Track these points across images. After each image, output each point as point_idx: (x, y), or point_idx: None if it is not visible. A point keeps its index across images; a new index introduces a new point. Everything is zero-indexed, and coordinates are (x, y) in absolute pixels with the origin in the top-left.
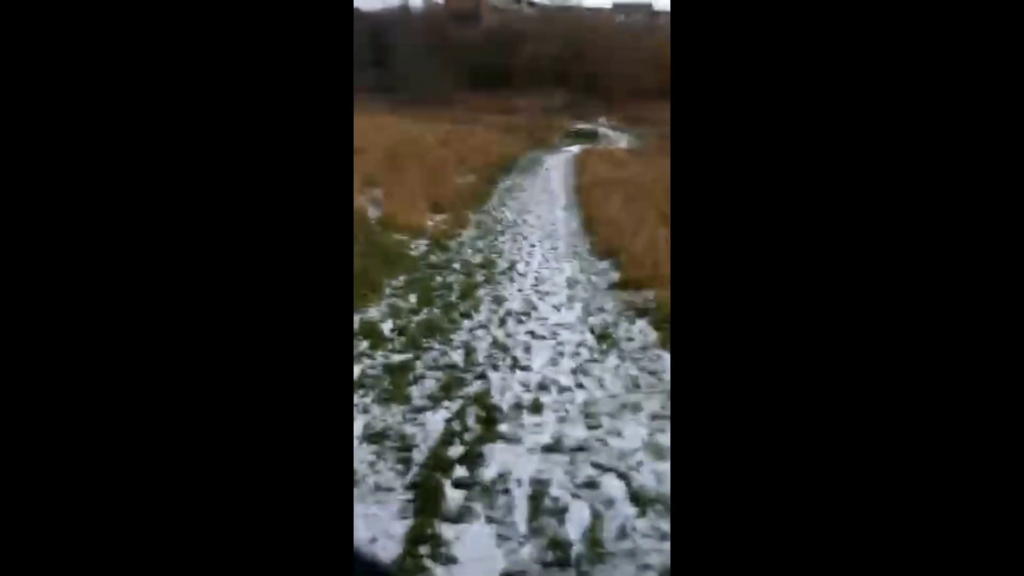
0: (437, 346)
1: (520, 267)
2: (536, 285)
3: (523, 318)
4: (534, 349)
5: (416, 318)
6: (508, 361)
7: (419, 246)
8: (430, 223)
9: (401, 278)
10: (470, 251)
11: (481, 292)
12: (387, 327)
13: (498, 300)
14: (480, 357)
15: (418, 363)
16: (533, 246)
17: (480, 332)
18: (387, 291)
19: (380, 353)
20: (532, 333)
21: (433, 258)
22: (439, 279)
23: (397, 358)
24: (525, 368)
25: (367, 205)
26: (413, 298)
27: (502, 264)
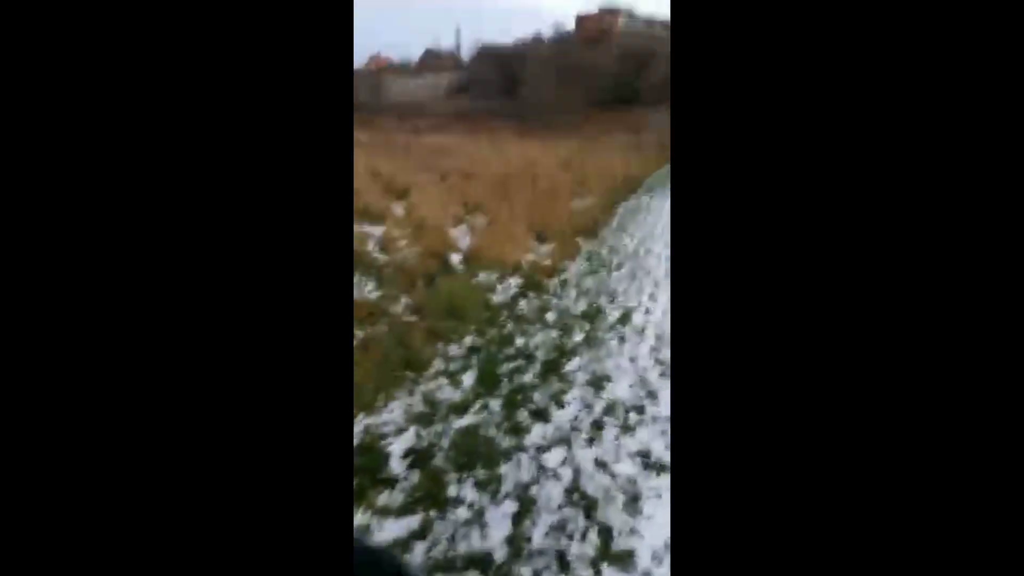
0: (469, 496)
1: (637, 318)
2: (657, 349)
3: (632, 418)
4: (646, 499)
5: (456, 423)
6: (591, 540)
7: (508, 288)
8: (530, 256)
9: (467, 340)
10: (574, 293)
11: (575, 364)
12: (398, 447)
13: (597, 381)
14: (539, 530)
15: (418, 546)
16: (657, 284)
17: (555, 455)
18: (436, 365)
19: (360, 511)
20: (644, 458)
21: (522, 305)
22: (520, 341)
23: (387, 531)
24: (620, 560)
25: (458, 237)
26: (469, 378)
27: (613, 314)
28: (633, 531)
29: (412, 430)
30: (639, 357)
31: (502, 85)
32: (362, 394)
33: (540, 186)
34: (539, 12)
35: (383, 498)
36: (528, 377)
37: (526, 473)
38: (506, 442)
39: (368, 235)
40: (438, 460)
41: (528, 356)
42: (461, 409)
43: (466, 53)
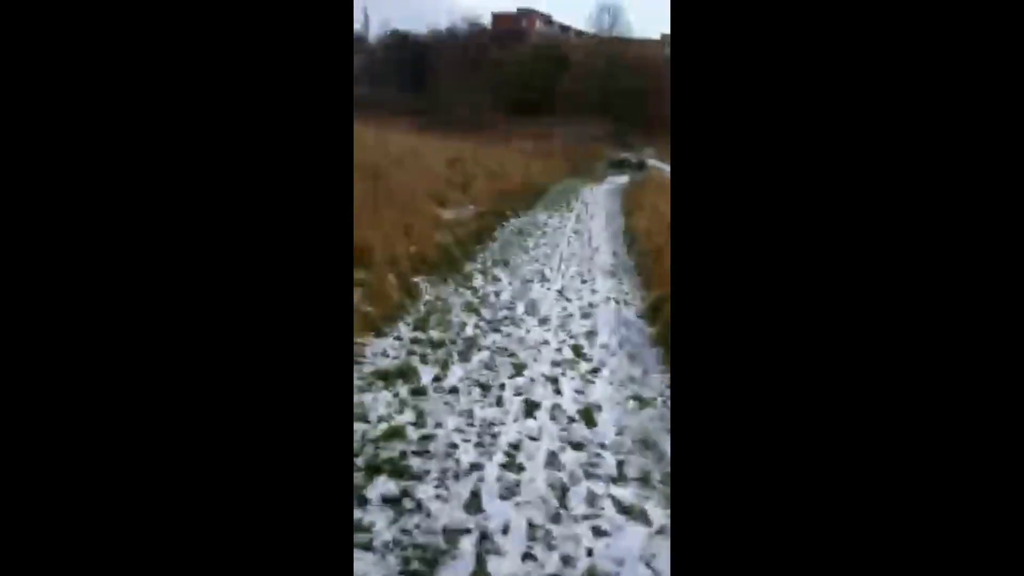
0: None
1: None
2: None
3: None
4: None
5: None
6: None
7: None
8: None
9: None
10: (365, 421)
11: None
12: None
13: None
14: None
15: None
16: (537, 401)
17: None
18: None
19: None
20: None
21: None
22: None
23: None
24: None
25: None
26: None
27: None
28: None
29: None
30: None
31: (408, 74)
32: None
33: (401, 184)
34: (453, 5)
35: None
36: None
37: None
38: None
39: None
40: None
41: None
42: None
43: (373, 36)
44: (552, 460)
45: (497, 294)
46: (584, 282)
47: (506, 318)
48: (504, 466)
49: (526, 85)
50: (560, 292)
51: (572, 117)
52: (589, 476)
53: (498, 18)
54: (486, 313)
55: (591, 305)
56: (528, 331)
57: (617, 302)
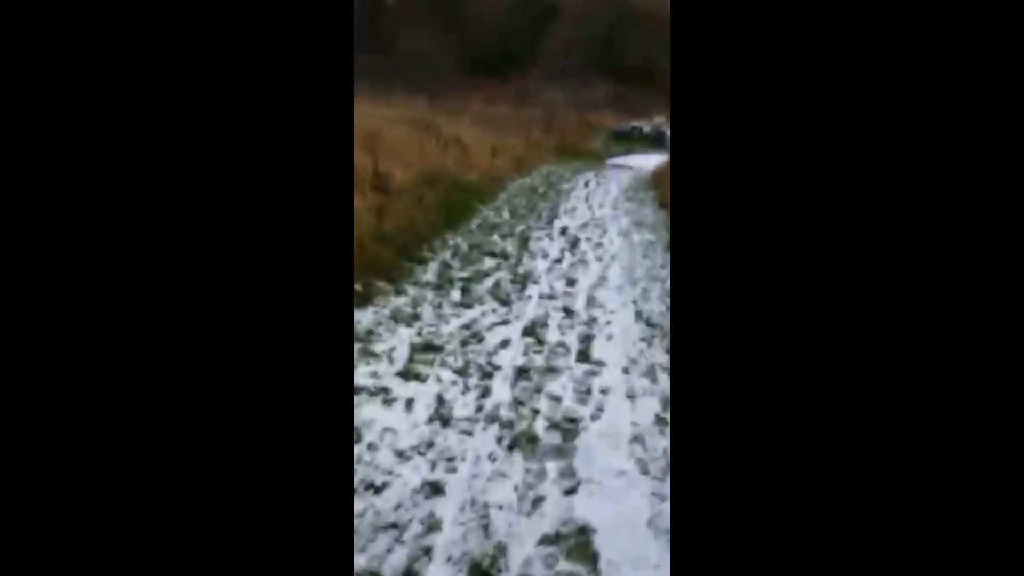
0: None
1: None
2: None
3: None
4: None
5: None
6: None
7: None
8: None
9: None
10: None
11: None
12: None
13: None
14: None
15: None
16: None
17: None
18: None
19: None
20: None
21: None
22: None
23: None
24: None
25: None
26: None
27: None
28: None
29: None
30: None
31: (365, 23)
32: None
33: None
34: None
35: None
36: None
37: None
38: None
39: None
40: None
41: None
42: None
43: None
44: None
45: None
46: None
47: None
48: None
49: (503, 38)
50: None
51: (565, 79)
52: None
53: None
54: None
55: None
56: None
57: None
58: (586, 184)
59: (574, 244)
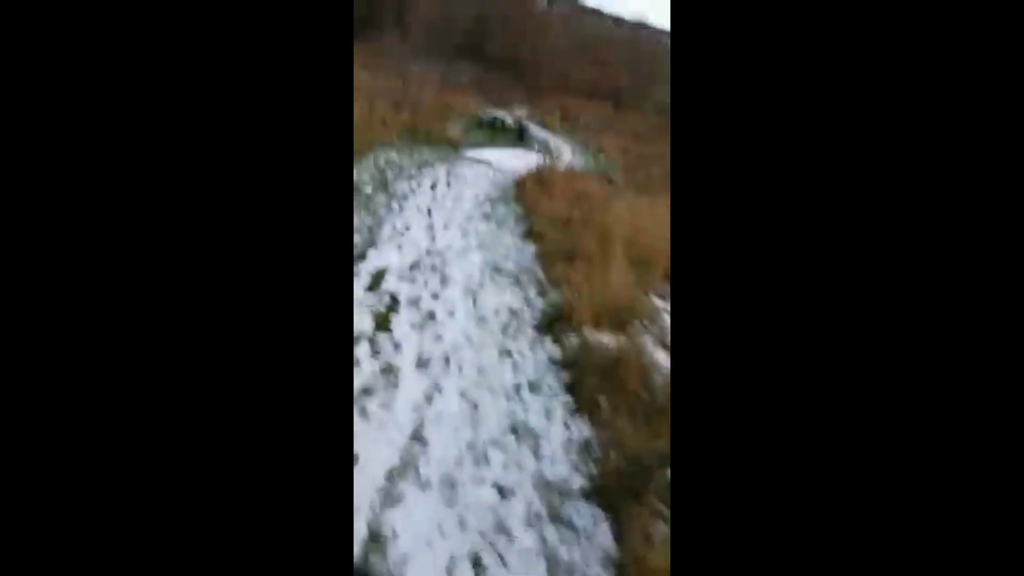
0: None
1: None
2: None
3: None
4: None
5: None
6: None
7: None
8: None
9: None
10: None
11: None
12: None
13: None
14: None
15: None
16: None
17: None
18: None
19: None
20: None
21: None
22: None
23: None
24: None
25: None
26: None
27: None
28: None
29: None
30: None
31: None
32: None
33: None
34: None
35: None
36: None
37: None
38: None
39: None
40: None
41: None
42: None
43: None
44: None
45: None
46: None
47: None
48: None
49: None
50: None
51: (427, 55)
52: None
53: None
54: None
55: None
56: None
57: None
58: (433, 186)
59: (382, 323)
